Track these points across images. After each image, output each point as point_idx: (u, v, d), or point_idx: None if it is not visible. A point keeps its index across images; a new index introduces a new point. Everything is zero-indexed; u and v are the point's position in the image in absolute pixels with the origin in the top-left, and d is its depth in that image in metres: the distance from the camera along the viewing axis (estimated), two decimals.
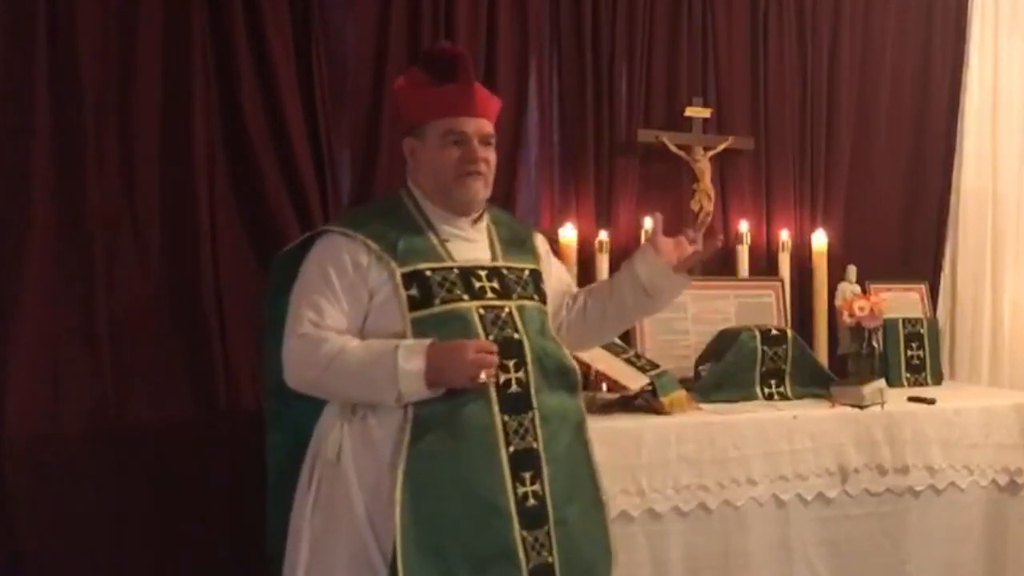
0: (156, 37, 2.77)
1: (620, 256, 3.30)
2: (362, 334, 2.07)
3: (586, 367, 2.87)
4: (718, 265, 3.38)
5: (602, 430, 2.58)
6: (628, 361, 2.89)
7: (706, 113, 3.45)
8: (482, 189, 2.16)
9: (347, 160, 3.04)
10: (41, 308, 2.64)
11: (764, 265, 3.55)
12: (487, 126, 2.16)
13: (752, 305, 3.37)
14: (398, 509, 1.94)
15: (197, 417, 2.80)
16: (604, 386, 2.93)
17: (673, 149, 3.39)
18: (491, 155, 2.16)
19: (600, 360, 2.85)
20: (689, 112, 3.42)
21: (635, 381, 2.81)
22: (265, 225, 2.88)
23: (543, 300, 2.22)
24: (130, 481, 2.71)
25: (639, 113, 3.39)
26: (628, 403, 2.84)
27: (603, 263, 3.19)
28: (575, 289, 2.46)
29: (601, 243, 3.22)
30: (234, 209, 2.87)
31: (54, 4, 2.65)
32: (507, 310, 2.10)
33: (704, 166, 3.41)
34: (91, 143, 2.69)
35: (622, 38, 3.35)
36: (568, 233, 3.15)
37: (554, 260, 2.43)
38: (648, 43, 3.40)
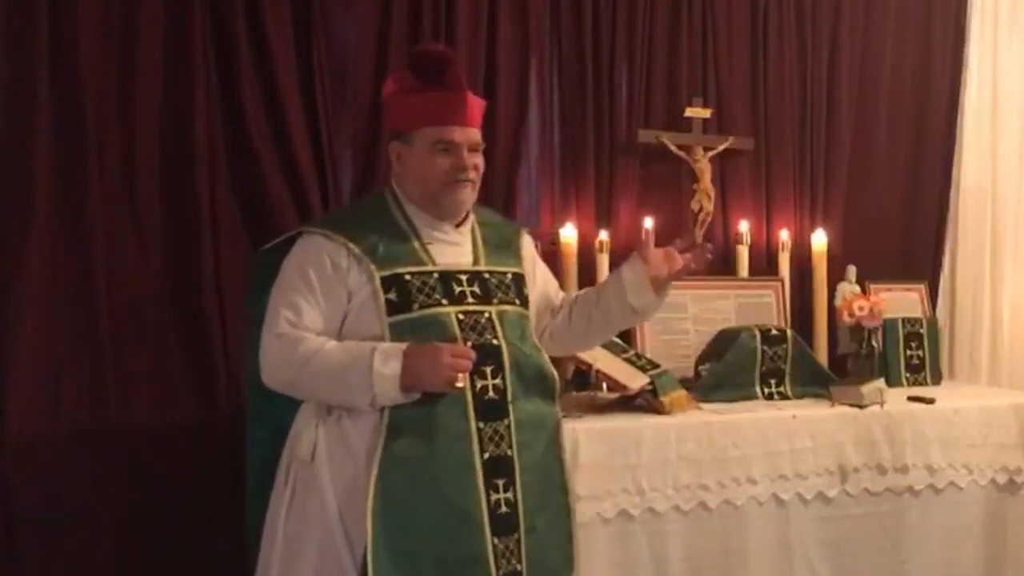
0: (157, 38, 2.78)
1: (621, 256, 3.31)
2: (340, 336, 2.06)
3: (587, 366, 2.88)
4: (718, 265, 3.38)
5: (602, 430, 2.60)
6: (628, 360, 2.89)
7: (706, 113, 3.45)
8: (470, 196, 2.16)
9: (348, 160, 3.04)
10: (42, 307, 2.65)
11: (764, 265, 3.56)
12: (476, 134, 2.16)
13: (752, 305, 3.38)
14: (370, 513, 1.94)
15: (198, 416, 2.81)
16: (604, 386, 2.94)
17: (673, 149, 3.39)
18: (480, 161, 2.17)
19: (600, 359, 2.85)
20: (689, 112, 3.43)
21: (635, 381, 2.82)
22: (266, 226, 2.86)
23: (525, 304, 2.22)
24: (131, 480, 2.72)
25: (639, 113, 3.39)
26: (628, 403, 2.85)
27: (603, 263, 3.20)
28: (560, 294, 2.46)
29: (601, 243, 3.22)
30: (235, 210, 2.88)
31: (55, 4, 2.65)
32: (487, 315, 2.10)
33: (704, 166, 3.42)
34: (92, 143, 2.70)
35: (622, 38, 3.35)
36: (568, 233, 3.16)
37: (540, 263, 2.43)
38: (648, 43, 3.40)
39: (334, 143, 2.97)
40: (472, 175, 2.14)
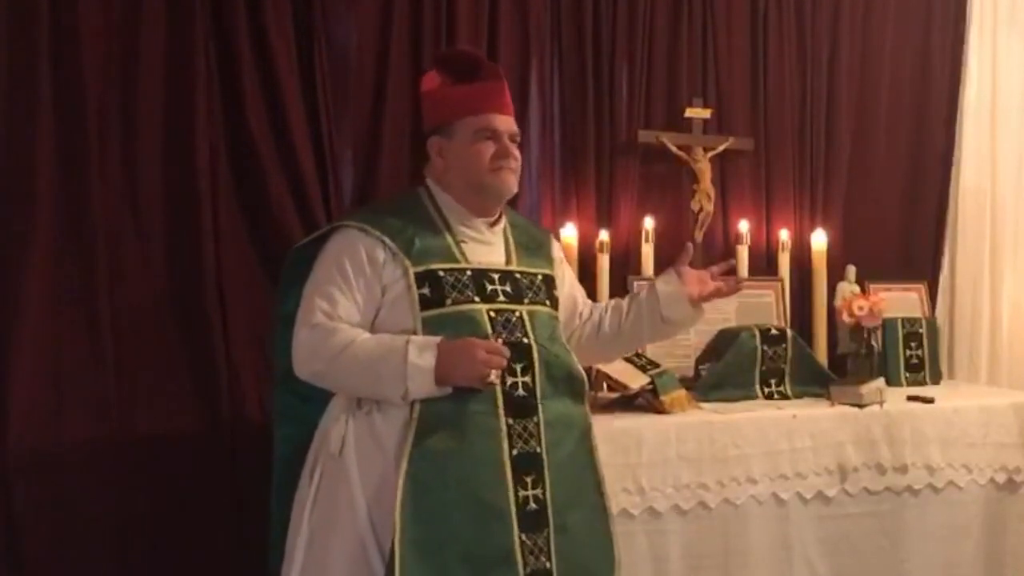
0: (159, 39, 2.78)
1: (620, 256, 3.33)
2: (373, 329, 2.08)
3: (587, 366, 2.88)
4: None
5: (602, 429, 2.59)
6: (629, 360, 2.90)
7: (706, 114, 3.46)
8: (515, 184, 2.19)
9: (349, 161, 3.04)
10: (44, 311, 2.64)
11: (764, 265, 3.56)
12: (514, 125, 2.20)
13: (752, 305, 3.38)
14: (399, 506, 1.95)
15: (199, 419, 2.80)
16: (605, 385, 2.95)
17: (673, 150, 3.40)
18: (518, 153, 2.20)
19: None
20: (689, 113, 3.43)
21: (636, 380, 2.83)
22: (268, 226, 2.88)
23: (555, 306, 2.24)
24: (133, 484, 2.71)
25: (639, 114, 3.39)
26: (629, 402, 2.86)
27: (603, 263, 3.20)
28: (588, 303, 2.48)
29: (602, 243, 3.23)
30: (237, 211, 2.88)
31: (57, 7, 2.65)
32: (518, 314, 2.11)
33: (704, 166, 3.42)
34: (94, 145, 2.70)
35: (622, 39, 3.36)
36: (569, 233, 3.17)
37: (568, 269, 2.46)
38: (648, 44, 3.40)
39: (335, 143, 2.97)
40: (514, 164, 2.17)
